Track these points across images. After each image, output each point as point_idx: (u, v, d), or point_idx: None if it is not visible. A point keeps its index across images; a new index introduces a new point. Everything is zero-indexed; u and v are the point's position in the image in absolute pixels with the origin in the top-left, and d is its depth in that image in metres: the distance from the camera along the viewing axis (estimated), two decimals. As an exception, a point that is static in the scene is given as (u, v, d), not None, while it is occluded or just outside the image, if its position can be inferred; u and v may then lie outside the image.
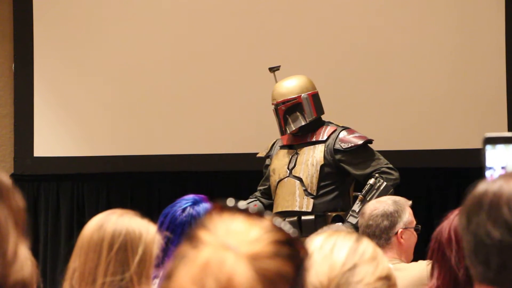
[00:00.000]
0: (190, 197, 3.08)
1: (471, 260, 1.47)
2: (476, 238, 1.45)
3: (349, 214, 4.80)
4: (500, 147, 1.70)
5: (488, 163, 1.71)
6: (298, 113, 5.02)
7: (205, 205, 3.04)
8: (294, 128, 5.00)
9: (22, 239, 1.25)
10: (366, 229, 3.65)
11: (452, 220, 2.50)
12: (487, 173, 1.70)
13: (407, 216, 3.68)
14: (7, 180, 1.28)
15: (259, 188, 5.22)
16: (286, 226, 1.19)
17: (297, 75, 5.16)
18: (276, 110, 5.04)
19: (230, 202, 1.20)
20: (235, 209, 1.20)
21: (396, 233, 3.64)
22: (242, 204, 1.20)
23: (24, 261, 1.23)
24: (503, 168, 1.69)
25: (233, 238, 1.17)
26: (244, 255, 1.15)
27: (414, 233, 3.70)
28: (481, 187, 1.49)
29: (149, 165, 6.68)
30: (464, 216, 1.49)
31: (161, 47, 6.71)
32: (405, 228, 3.66)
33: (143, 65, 6.71)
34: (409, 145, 6.45)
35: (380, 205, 3.69)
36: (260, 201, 5.15)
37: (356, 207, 4.80)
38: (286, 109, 5.00)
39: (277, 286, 1.16)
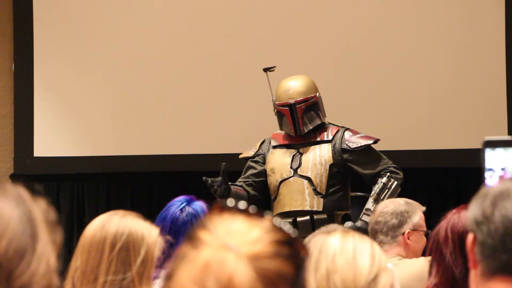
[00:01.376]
0: (181, 198, 3.09)
1: (494, 250, 1.45)
2: (506, 224, 1.43)
3: (362, 213, 4.81)
4: (499, 150, 1.71)
5: (487, 165, 1.71)
6: (313, 113, 5.00)
7: (198, 203, 3.07)
8: (311, 127, 4.97)
9: (55, 264, 1.33)
10: (374, 225, 3.66)
11: (449, 219, 2.52)
12: (487, 175, 1.70)
13: (418, 218, 3.67)
14: (53, 215, 1.35)
15: (243, 180, 5.13)
16: (286, 226, 1.19)
17: (300, 75, 5.13)
18: (293, 109, 4.97)
19: (231, 202, 1.21)
20: (235, 209, 1.20)
21: (404, 233, 3.64)
22: (242, 204, 1.20)
23: (53, 282, 1.31)
24: (502, 169, 1.69)
25: (234, 238, 1.17)
26: (245, 255, 1.16)
27: (423, 237, 3.69)
28: (499, 185, 1.48)
29: (149, 165, 6.68)
30: (488, 205, 1.46)
31: (161, 47, 6.71)
32: (414, 230, 3.65)
33: (143, 65, 6.71)
34: (409, 145, 6.45)
35: (392, 203, 3.70)
36: (245, 189, 5.07)
37: (370, 205, 4.81)
38: (305, 108, 4.98)
39: (278, 286, 1.16)
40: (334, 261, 1.78)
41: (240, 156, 5.20)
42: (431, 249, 2.54)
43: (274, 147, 5.07)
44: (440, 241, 2.50)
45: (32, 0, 6.79)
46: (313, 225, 4.84)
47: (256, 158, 5.10)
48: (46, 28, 6.80)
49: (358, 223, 4.74)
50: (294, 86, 5.00)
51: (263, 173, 5.06)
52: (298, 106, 4.96)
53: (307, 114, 4.98)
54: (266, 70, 5.15)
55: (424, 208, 3.74)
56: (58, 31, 6.79)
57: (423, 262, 3.39)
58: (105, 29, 6.77)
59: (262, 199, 5.13)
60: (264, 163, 5.07)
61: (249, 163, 5.12)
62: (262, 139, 5.17)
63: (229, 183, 4.88)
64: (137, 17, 6.75)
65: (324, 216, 4.87)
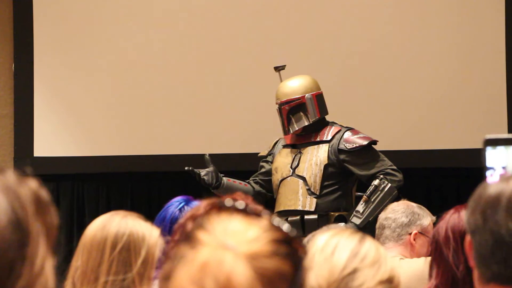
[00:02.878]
0: (179, 198, 3.10)
1: (485, 260, 1.46)
2: (496, 236, 1.44)
3: (352, 215, 4.80)
4: (500, 148, 1.70)
5: (488, 164, 1.70)
6: (301, 113, 5.01)
7: (196, 203, 3.07)
8: (297, 128, 5.00)
9: (50, 256, 1.25)
10: (383, 221, 3.68)
11: (448, 220, 2.51)
12: (488, 174, 1.70)
13: (427, 223, 3.68)
14: (46, 195, 1.29)
15: (252, 179, 5.19)
16: (285, 225, 1.19)
17: (302, 75, 5.15)
18: (280, 110, 5.03)
19: (228, 201, 1.21)
20: (233, 209, 1.20)
21: (410, 233, 3.65)
22: (240, 203, 1.20)
23: (49, 277, 1.24)
24: (503, 168, 1.69)
25: (232, 237, 1.17)
26: (243, 255, 1.15)
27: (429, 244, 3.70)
28: (493, 187, 1.48)
29: (149, 165, 6.67)
30: (478, 215, 1.47)
31: (162, 47, 6.70)
32: (421, 233, 3.66)
33: (143, 65, 6.71)
34: (409, 145, 6.44)
35: (405, 204, 3.73)
36: (251, 185, 5.13)
37: (360, 207, 4.80)
38: (290, 109, 5.00)
39: (276, 285, 1.16)
40: (313, 259, 1.76)
41: (259, 155, 5.26)
42: (431, 250, 2.54)
43: (283, 146, 5.11)
44: (440, 241, 2.50)
45: (32, 0, 6.79)
46: (303, 226, 4.84)
47: (267, 158, 5.15)
48: (46, 28, 6.80)
49: (348, 225, 4.73)
50: (282, 87, 5.05)
51: (270, 172, 5.10)
52: (282, 107, 5.00)
53: (295, 115, 5.01)
54: (277, 69, 5.17)
55: (434, 218, 3.74)
56: (58, 31, 6.79)
57: (423, 262, 3.39)
58: (105, 29, 6.77)
59: (271, 196, 5.15)
60: (273, 162, 5.11)
61: (261, 162, 5.20)
62: (277, 138, 5.20)
63: (223, 174, 4.99)
64: (137, 17, 6.75)
65: (315, 216, 4.87)
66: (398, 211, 3.68)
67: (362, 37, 6.54)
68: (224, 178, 5.01)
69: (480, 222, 1.46)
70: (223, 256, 1.15)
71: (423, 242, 3.68)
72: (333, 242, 1.79)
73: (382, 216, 3.73)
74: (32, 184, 1.26)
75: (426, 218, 3.70)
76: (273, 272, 1.16)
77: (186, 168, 4.92)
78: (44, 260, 1.21)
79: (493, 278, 1.45)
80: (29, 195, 1.24)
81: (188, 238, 1.19)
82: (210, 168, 4.96)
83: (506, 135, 1.72)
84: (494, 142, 1.70)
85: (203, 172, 4.95)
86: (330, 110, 5.18)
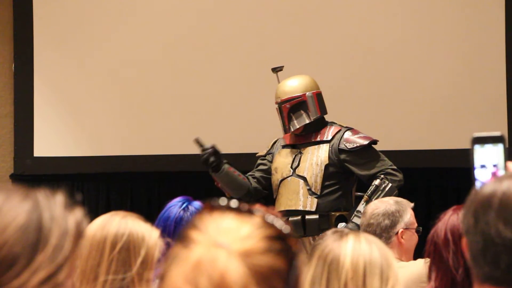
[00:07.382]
0: (179, 198, 3.10)
1: (477, 260, 1.46)
2: (486, 237, 1.44)
3: (353, 215, 4.80)
4: (488, 146, 1.70)
5: (477, 162, 1.70)
6: (302, 112, 5.02)
7: (197, 203, 3.08)
8: (298, 126, 5.00)
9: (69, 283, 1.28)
10: (367, 228, 3.65)
11: (447, 221, 2.49)
12: (477, 172, 1.69)
13: (409, 216, 3.67)
14: (84, 226, 1.31)
15: (249, 174, 5.17)
16: (278, 221, 1.19)
17: (301, 74, 5.16)
18: (280, 109, 5.03)
19: (223, 201, 1.21)
20: (226, 207, 1.20)
21: (397, 233, 3.64)
22: (234, 202, 1.20)
23: None
24: (494, 166, 1.68)
25: (225, 235, 1.17)
26: (236, 252, 1.16)
27: (415, 234, 3.70)
28: (487, 187, 1.47)
29: (149, 165, 6.68)
30: (470, 216, 1.47)
31: (162, 47, 6.71)
32: (406, 229, 3.65)
33: (143, 65, 6.71)
34: (410, 145, 6.44)
35: (382, 204, 3.69)
36: (249, 180, 5.13)
37: (361, 207, 4.79)
38: (291, 107, 5.01)
39: (271, 282, 1.16)
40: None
41: (257, 155, 5.27)
42: (429, 252, 2.52)
43: (283, 146, 5.11)
44: (439, 244, 2.48)
45: (32, 0, 6.79)
46: (304, 225, 4.85)
47: (267, 157, 5.15)
48: (46, 28, 6.80)
49: (349, 225, 4.74)
50: (283, 86, 5.07)
51: (269, 171, 5.11)
52: (283, 105, 5.01)
53: (296, 113, 5.02)
54: (274, 70, 5.17)
55: (412, 205, 3.74)
56: (58, 31, 6.79)
57: (422, 265, 3.38)
58: (105, 29, 6.77)
59: (267, 194, 5.15)
60: (272, 162, 5.11)
61: (259, 160, 5.20)
62: (276, 139, 5.21)
63: (226, 160, 5.00)
64: (137, 17, 6.75)
65: (316, 216, 4.88)
66: (379, 215, 3.65)
67: (362, 38, 6.54)
68: (226, 165, 5.01)
69: (471, 223, 1.46)
70: (217, 254, 1.15)
71: (409, 236, 3.68)
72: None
73: (363, 222, 3.70)
74: (78, 213, 1.29)
75: (406, 212, 3.68)
76: (267, 268, 1.16)
77: (195, 138, 4.90)
78: (51, 276, 1.22)
79: (486, 279, 1.45)
80: (61, 220, 1.26)
81: (181, 237, 1.19)
82: (209, 150, 4.95)
83: (493, 133, 1.71)
84: (482, 140, 1.70)
85: (207, 151, 4.93)
86: (331, 110, 5.18)
